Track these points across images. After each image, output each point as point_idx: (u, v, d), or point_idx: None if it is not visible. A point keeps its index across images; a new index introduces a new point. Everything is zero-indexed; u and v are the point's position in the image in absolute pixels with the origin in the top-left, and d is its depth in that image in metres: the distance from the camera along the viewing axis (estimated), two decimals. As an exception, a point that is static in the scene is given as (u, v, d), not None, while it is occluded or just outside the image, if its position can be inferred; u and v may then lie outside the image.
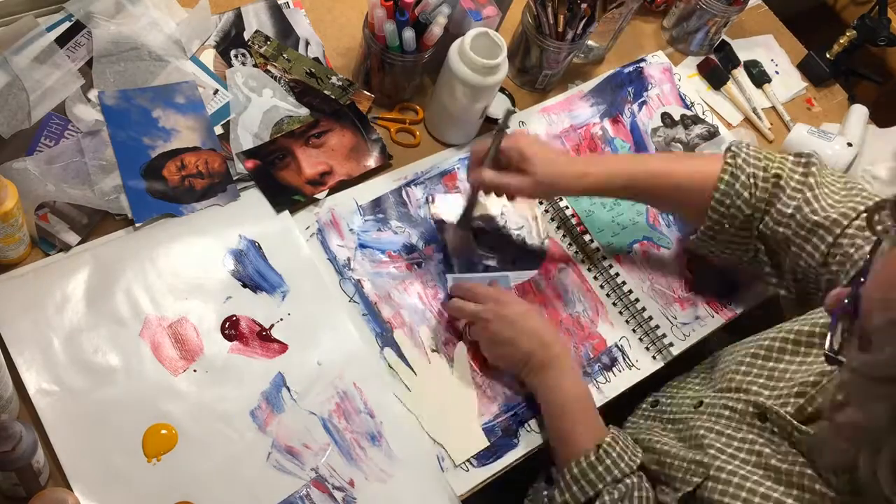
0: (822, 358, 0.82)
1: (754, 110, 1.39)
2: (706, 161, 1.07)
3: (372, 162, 1.13)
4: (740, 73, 1.43)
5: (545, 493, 0.97)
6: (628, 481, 0.92)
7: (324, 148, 1.12)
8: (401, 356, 1.02)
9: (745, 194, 1.01)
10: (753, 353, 0.96)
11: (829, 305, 0.72)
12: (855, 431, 0.70)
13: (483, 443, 0.99)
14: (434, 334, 1.04)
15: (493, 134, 1.03)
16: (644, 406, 1.10)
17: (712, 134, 1.33)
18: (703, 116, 1.35)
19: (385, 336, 1.03)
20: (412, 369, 1.02)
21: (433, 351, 1.03)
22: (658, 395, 1.10)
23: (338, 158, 1.12)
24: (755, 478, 0.85)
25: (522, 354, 0.99)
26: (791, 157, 1.03)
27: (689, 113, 1.35)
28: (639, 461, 0.94)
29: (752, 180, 1.01)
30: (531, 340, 0.99)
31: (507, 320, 1.00)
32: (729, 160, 1.02)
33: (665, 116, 1.33)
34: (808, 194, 0.99)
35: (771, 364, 0.94)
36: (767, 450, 0.87)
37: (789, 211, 0.99)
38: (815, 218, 0.97)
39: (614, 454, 0.93)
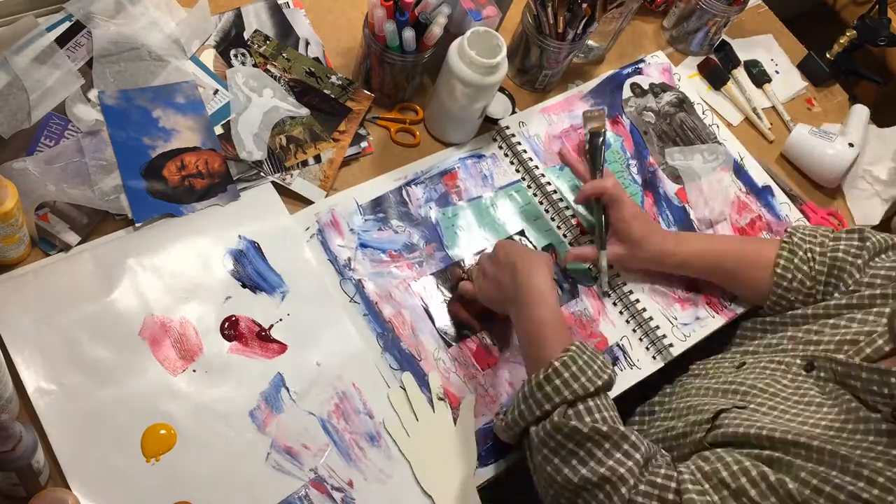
0: (855, 322, 0.95)
1: (754, 110, 1.39)
2: (767, 244, 1.12)
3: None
4: (740, 73, 1.43)
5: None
6: (590, 403, 0.87)
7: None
8: (406, 398, 0.99)
9: (805, 268, 1.07)
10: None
11: None
12: None
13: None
14: (443, 382, 1.01)
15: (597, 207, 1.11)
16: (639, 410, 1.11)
17: (682, 101, 1.34)
18: (702, 116, 1.35)
19: (386, 336, 1.03)
20: (415, 414, 0.99)
21: (440, 399, 1.00)
22: (652, 403, 1.10)
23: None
24: (791, 402, 0.90)
25: (506, 289, 0.97)
26: (844, 234, 1.08)
27: (657, 81, 1.35)
28: (606, 377, 0.88)
29: (809, 255, 1.07)
30: (514, 276, 0.96)
31: (504, 264, 0.98)
32: (786, 239, 1.10)
33: (634, 87, 1.33)
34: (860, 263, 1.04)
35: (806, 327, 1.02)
36: (813, 391, 0.90)
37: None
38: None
39: (574, 368, 0.87)
